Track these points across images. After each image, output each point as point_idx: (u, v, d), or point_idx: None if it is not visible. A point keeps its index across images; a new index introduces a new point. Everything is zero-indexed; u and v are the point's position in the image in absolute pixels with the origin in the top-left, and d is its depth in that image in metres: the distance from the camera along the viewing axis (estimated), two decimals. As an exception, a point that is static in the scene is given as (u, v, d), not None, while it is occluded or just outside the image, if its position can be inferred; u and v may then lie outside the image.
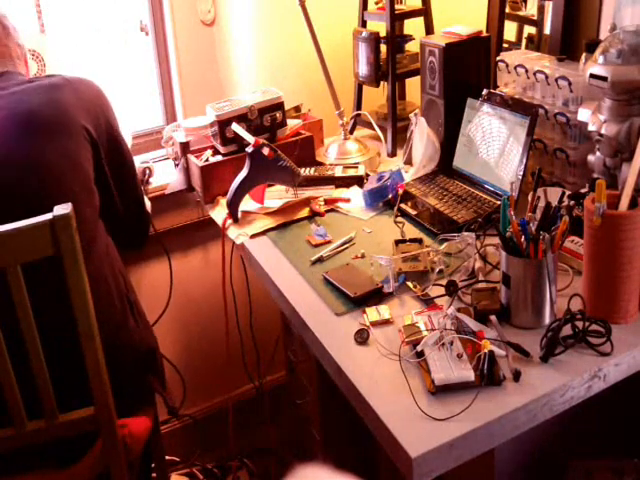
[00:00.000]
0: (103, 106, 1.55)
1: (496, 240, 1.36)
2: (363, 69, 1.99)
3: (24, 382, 1.23)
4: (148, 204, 1.78)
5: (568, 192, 1.41)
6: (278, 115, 1.84)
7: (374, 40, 1.92)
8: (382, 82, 1.99)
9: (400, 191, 1.67)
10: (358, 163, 1.88)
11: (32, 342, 1.19)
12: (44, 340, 1.21)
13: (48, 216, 1.16)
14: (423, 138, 1.78)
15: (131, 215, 1.66)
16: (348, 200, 1.73)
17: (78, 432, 1.30)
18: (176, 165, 1.92)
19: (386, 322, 1.24)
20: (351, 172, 1.83)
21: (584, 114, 1.44)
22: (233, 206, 1.67)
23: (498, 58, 1.74)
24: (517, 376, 1.06)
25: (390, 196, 1.68)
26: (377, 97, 2.12)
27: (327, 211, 1.69)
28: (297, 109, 2.05)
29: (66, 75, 1.52)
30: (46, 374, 1.22)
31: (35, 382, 1.22)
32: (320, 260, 1.47)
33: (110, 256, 1.52)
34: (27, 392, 1.24)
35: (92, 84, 1.55)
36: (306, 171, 1.82)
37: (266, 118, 1.83)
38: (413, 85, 2.07)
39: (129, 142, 1.95)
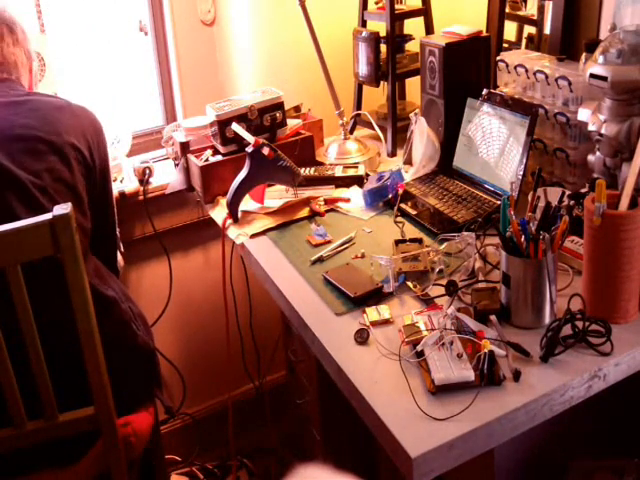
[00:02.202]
0: (100, 138, 1.52)
1: (496, 240, 1.36)
2: (363, 69, 1.99)
3: (24, 382, 1.23)
4: (121, 261, 1.74)
5: (568, 192, 1.41)
6: (278, 115, 1.84)
7: (374, 40, 1.92)
8: (382, 82, 1.99)
9: (400, 191, 1.67)
10: (358, 163, 1.88)
11: (32, 342, 1.19)
12: (44, 340, 1.21)
13: (48, 216, 1.16)
14: (423, 138, 1.78)
15: (101, 258, 1.59)
16: (348, 200, 1.73)
17: (78, 432, 1.30)
18: (176, 165, 1.92)
19: (386, 322, 1.24)
20: (351, 172, 1.83)
21: (584, 114, 1.44)
22: (233, 206, 1.67)
23: (498, 58, 1.74)
24: (517, 376, 1.06)
25: (390, 196, 1.68)
26: (377, 97, 2.12)
27: (327, 211, 1.69)
28: (297, 109, 2.05)
29: (70, 100, 1.51)
30: (46, 374, 1.22)
31: (35, 382, 1.22)
32: (320, 260, 1.47)
33: (102, 273, 1.52)
34: (27, 392, 1.24)
35: (93, 115, 1.53)
36: (306, 171, 1.82)
37: (266, 118, 1.83)
38: (413, 85, 2.07)
39: (128, 144, 1.96)
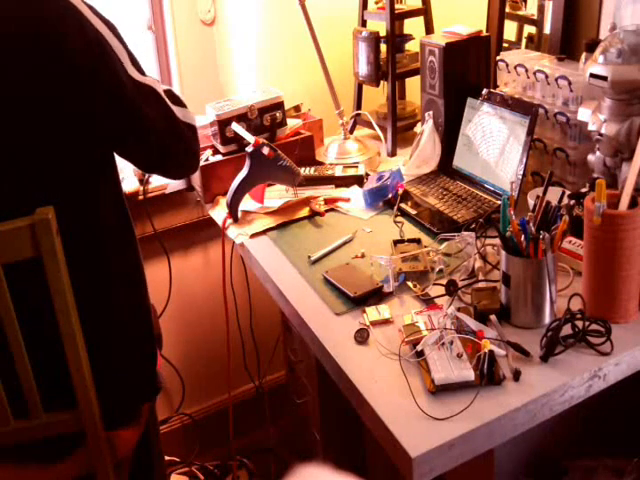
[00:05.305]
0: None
1: (496, 240, 1.36)
2: (363, 69, 1.99)
3: (10, 382, 1.21)
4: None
5: (568, 192, 1.41)
6: (278, 115, 1.84)
7: (374, 40, 1.92)
8: (382, 82, 1.99)
9: (400, 191, 1.67)
10: (358, 163, 1.88)
11: (15, 340, 1.17)
12: (31, 339, 1.19)
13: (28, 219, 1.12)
14: (431, 138, 1.79)
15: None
16: (348, 200, 1.73)
17: (63, 433, 1.28)
18: (176, 165, 1.92)
19: (386, 322, 1.23)
20: (351, 172, 1.83)
21: (584, 114, 1.43)
22: (233, 206, 1.67)
23: (498, 58, 1.74)
24: (517, 376, 1.06)
25: (390, 196, 1.68)
26: (377, 97, 2.12)
27: (327, 211, 1.69)
28: (297, 109, 2.05)
29: None
30: (29, 373, 1.20)
31: (19, 382, 1.20)
32: (320, 259, 1.47)
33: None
34: (13, 392, 1.22)
35: None
36: (306, 171, 1.82)
37: (266, 118, 1.83)
38: (413, 85, 2.07)
39: None
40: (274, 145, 1.67)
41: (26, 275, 1.20)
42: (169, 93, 1.39)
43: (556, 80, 1.54)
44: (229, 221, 1.68)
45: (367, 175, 1.82)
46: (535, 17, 1.87)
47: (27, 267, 1.16)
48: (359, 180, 1.81)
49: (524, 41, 1.93)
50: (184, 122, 1.37)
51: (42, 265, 1.14)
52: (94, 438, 1.28)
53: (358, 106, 2.12)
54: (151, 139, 1.31)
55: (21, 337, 1.18)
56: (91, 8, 1.22)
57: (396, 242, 1.47)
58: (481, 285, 1.29)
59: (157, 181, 1.98)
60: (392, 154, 2.00)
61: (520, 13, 1.95)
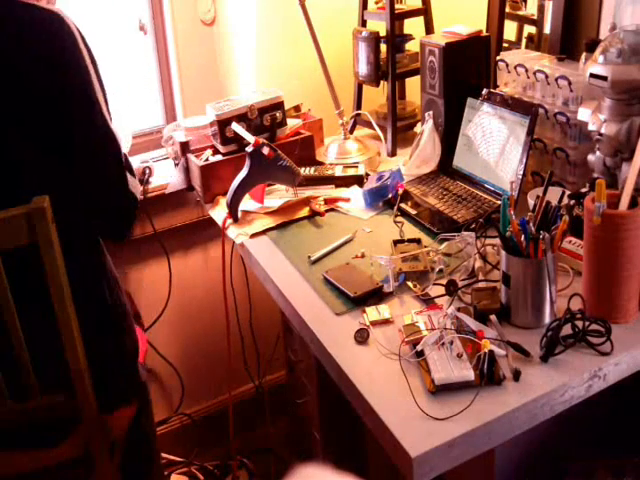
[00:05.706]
0: None
1: (496, 240, 1.36)
2: (363, 68, 1.99)
3: (7, 365, 1.25)
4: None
5: (568, 192, 1.41)
6: (278, 115, 1.84)
7: (374, 39, 1.92)
8: (382, 82, 1.99)
9: (400, 191, 1.67)
10: (358, 163, 1.88)
11: (13, 326, 1.21)
12: (29, 326, 1.23)
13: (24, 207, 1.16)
14: (431, 138, 1.79)
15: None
16: (348, 200, 1.73)
17: (58, 416, 1.32)
18: (176, 165, 1.92)
19: (386, 322, 1.23)
20: (351, 172, 1.83)
21: (584, 113, 1.44)
22: (233, 206, 1.67)
23: (498, 58, 1.74)
24: (517, 376, 1.06)
25: (390, 196, 1.68)
26: (377, 97, 2.12)
27: (327, 211, 1.69)
28: (297, 109, 2.05)
29: None
30: (26, 357, 1.24)
31: (16, 365, 1.25)
32: (320, 259, 1.47)
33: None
34: (10, 375, 1.25)
35: None
36: (306, 171, 1.82)
37: (266, 118, 1.83)
38: (413, 85, 2.07)
39: (128, 144, 1.95)
40: (274, 145, 1.67)
41: (24, 262, 1.23)
42: (125, 157, 1.39)
43: (556, 80, 1.54)
44: (229, 221, 1.68)
45: (367, 175, 1.82)
46: (535, 17, 1.87)
47: (24, 255, 1.19)
48: (359, 180, 1.81)
49: (524, 41, 1.93)
50: (130, 191, 1.38)
51: (38, 252, 1.17)
52: (89, 416, 1.31)
53: (358, 106, 2.12)
54: (91, 191, 1.33)
55: (18, 322, 1.21)
56: (84, 41, 1.27)
57: (396, 242, 1.47)
58: (481, 285, 1.29)
59: (157, 181, 1.98)
60: (392, 154, 2.00)
61: (520, 13, 1.95)
